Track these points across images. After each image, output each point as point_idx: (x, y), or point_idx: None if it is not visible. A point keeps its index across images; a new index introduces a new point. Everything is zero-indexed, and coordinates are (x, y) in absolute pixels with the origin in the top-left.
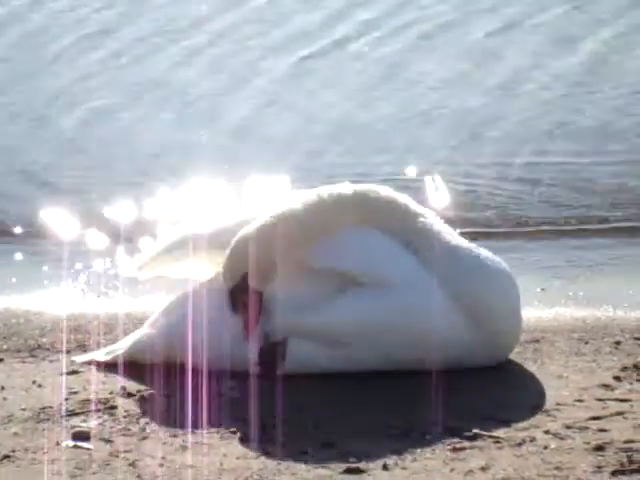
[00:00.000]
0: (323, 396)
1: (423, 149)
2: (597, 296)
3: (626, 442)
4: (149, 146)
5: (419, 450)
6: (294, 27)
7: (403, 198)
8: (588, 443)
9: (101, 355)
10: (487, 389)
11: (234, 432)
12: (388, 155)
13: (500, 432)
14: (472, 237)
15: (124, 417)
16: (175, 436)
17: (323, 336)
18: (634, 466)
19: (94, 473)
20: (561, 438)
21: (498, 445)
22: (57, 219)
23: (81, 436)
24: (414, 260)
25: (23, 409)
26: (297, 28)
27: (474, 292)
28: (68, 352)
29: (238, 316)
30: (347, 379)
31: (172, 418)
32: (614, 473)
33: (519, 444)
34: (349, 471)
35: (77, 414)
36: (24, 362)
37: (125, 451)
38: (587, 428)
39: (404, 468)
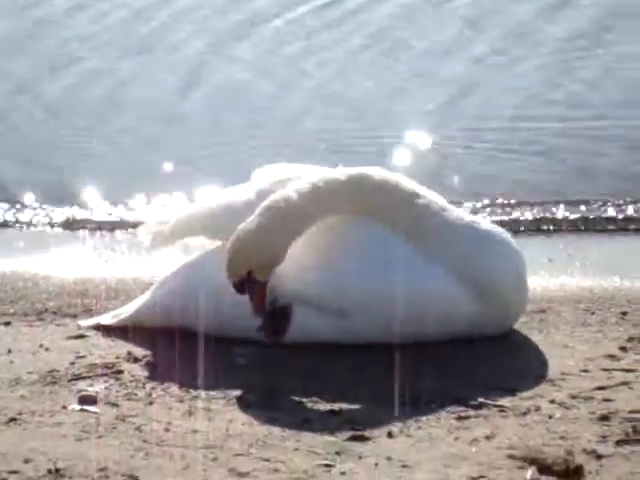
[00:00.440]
0: (328, 363)
1: (399, 116)
2: (604, 266)
3: (631, 412)
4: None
5: (424, 418)
6: None
7: (397, 178)
8: (593, 413)
9: (107, 319)
10: (492, 358)
11: (240, 398)
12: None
13: (505, 401)
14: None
15: (130, 382)
16: (181, 401)
17: (326, 305)
18: (639, 436)
19: (100, 437)
20: (566, 408)
21: (503, 414)
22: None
23: (87, 400)
24: (404, 243)
25: (30, 372)
26: None
27: (477, 265)
28: (75, 316)
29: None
30: (352, 347)
31: (178, 383)
32: (619, 443)
33: (524, 413)
34: (354, 438)
35: (83, 378)
36: (31, 326)
37: (131, 415)
38: (592, 398)
39: (409, 436)
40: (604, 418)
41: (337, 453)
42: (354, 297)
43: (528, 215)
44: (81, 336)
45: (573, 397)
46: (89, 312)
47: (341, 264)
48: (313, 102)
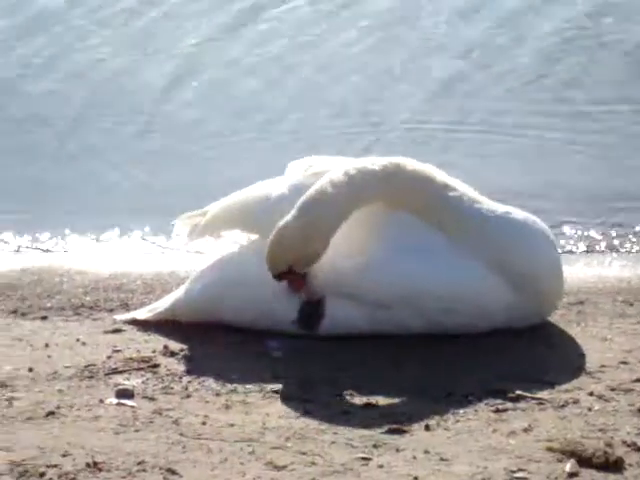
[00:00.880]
0: (364, 356)
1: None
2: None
3: None
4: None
5: (461, 411)
6: None
7: (430, 169)
8: (632, 405)
9: (143, 313)
10: (530, 351)
11: (276, 391)
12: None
13: (543, 394)
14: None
15: (167, 375)
16: (218, 395)
17: (364, 297)
18: None
19: (137, 430)
20: (605, 400)
21: (541, 407)
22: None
23: (124, 394)
24: (441, 235)
25: (67, 366)
26: None
27: (513, 255)
28: (111, 310)
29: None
30: (388, 339)
31: (214, 377)
32: None
33: (562, 406)
34: (391, 431)
35: (120, 372)
36: (68, 320)
37: (168, 409)
38: (631, 390)
39: (446, 429)
40: None
41: (374, 446)
42: (392, 289)
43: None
44: (117, 330)
45: (612, 389)
46: (125, 306)
47: (378, 256)
48: (298, 98)
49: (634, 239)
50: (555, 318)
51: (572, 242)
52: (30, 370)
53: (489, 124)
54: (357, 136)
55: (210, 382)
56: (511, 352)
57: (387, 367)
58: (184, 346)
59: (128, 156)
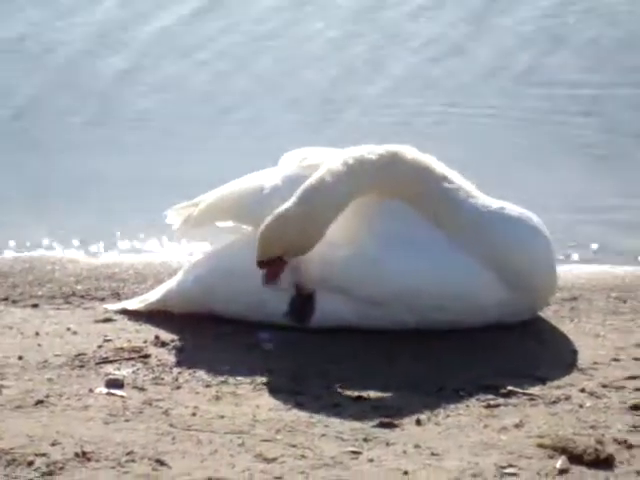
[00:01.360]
0: (356, 349)
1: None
2: (636, 254)
3: None
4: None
5: (453, 406)
6: None
7: (429, 160)
8: (624, 402)
9: (134, 304)
10: (523, 347)
11: (267, 383)
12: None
13: (535, 390)
14: None
15: (157, 366)
16: (208, 386)
17: (356, 293)
18: None
19: (127, 420)
20: (597, 397)
21: (533, 403)
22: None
23: (114, 384)
24: (434, 229)
25: (57, 355)
26: None
27: (507, 251)
28: (102, 300)
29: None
30: (381, 333)
31: (205, 368)
32: None
33: (554, 402)
34: (382, 425)
35: (111, 362)
36: (59, 309)
37: (158, 400)
38: (623, 387)
39: (437, 424)
40: (635, 408)
41: (365, 440)
42: (383, 286)
43: None
44: (108, 320)
45: (604, 386)
46: (117, 296)
47: (372, 252)
48: (253, 90)
49: (627, 236)
50: (548, 314)
51: (565, 237)
52: (20, 358)
53: (448, 114)
54: (312, 128)
55: (201, 373)
56: (503, 348)
57: (379, 361)
58: (175, 337)
59: (74, 145)
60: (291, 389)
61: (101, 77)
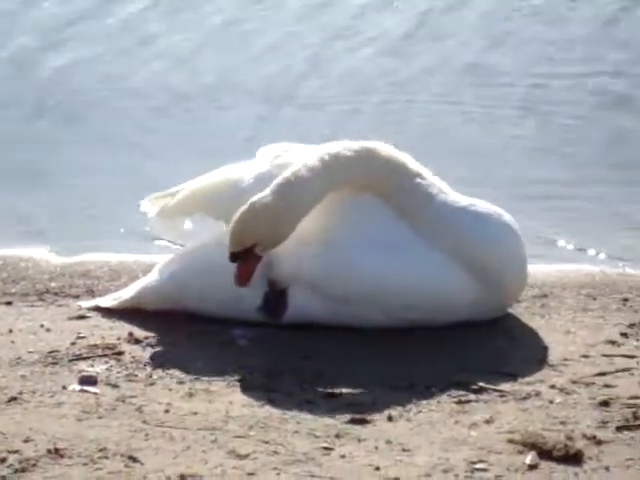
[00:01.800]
0: (329, 346)
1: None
2: (606, 252)
3: (631, 398)
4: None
5: (424, 402)
6: None
7: (402, 157)
8: (594, 398)
9: (107, 301)
10: (493, 343)
11: (240, 380)
12: None
13: (506, 386)
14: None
15: (131, 363)
16: (181, 383)
17: (328, 291)
18: (639, 422)
19: (100, 417)
20: (567, 393)
21: (503, 399)
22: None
23: (88, 380)
24: (407, 227)
25: (31, 352)
26: None
27: (477, 248)
28: (77, 297)
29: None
30: (353, 330)
31: (179, 365)
32: (619, 429)
33: (524, 398)
34: (354, 421)
35: (84, 359)
36: (32, 306)
37: (131, 396)
38: (593, 384)
39: (409, 420)
40: (604, 404)
41: (337, 436)
42: (356, 284)
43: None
44: (82, 317)
45: (574, 382)
46: (91, 293)
47: (344, 250)
48: (190, 90)
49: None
50: (519, 311)
51: (537, 236)
52: None
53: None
54: (252, 125)
55: (174, 370)
56: (474, 344)
57: (351, 357)
58: (149, 334)
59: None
60: (264, 386)
61: (40, 73)
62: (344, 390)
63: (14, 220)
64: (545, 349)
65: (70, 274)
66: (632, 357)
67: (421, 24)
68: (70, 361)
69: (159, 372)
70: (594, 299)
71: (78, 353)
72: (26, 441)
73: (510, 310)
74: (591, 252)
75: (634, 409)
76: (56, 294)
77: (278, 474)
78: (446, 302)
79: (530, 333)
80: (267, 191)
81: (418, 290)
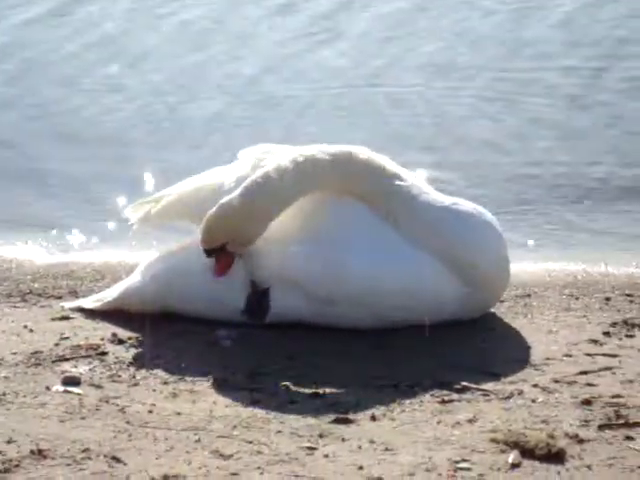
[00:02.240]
0: (313, 346)
1: None
2: (589, 252)
3: (614, 397)
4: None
5: (407, 402)
6: None
7: (381, 159)
8: (576, 397)
9: (89, 302)
10: (476, 343)
11: (224, 380)
12: None
13: (488, 385)
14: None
15: (114, 363)
16: (165, 383)
17: (312, 293)
18: (621, 420)
19: (83, 418)
20: (549, 392)
21: (486, 398)
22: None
23: (71, 381)
24: (391, 228)
25: (14, 353)
26: None
27: (459, 248)
28: (60, 298)
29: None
30: (337, 330)
31: (162, 366)
32: (601, 427)
33: (507, 397)
34: (337, 421)
35: (67, 359)
36: (15, 307)
37: (115, 397)
38: (575, 382)
39: (392, 419)
40: (587, 402)
41: (320, 436)
42: (338, 286)
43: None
44: (65, 318)
45: (556, 382)
46: (74, 294)
47: (329, 251)
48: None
49: (581, 233)
50: (502, 310)
51: (520, 235)
52: None
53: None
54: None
55: (158, 371)
56: (457, 344)
57: (335, 357)
58: (133, 334)
59: None
60: (248, 386)
61: None
62: (327, 390)
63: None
64: (528, 348)
65: (53, 275)
66: (614, 356)
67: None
68: (53, 362)
69: (143, 372)
70: (577, 299)
71: (61, 354)
72: (9, 442)
73: (493, 310)
74: (573, 252)
75: (616, 408)
76: (39, 295)
77: (262, 474)
78: (432, 300)
79: (513, 332)
80: (236, 192)
81: (404, 290)
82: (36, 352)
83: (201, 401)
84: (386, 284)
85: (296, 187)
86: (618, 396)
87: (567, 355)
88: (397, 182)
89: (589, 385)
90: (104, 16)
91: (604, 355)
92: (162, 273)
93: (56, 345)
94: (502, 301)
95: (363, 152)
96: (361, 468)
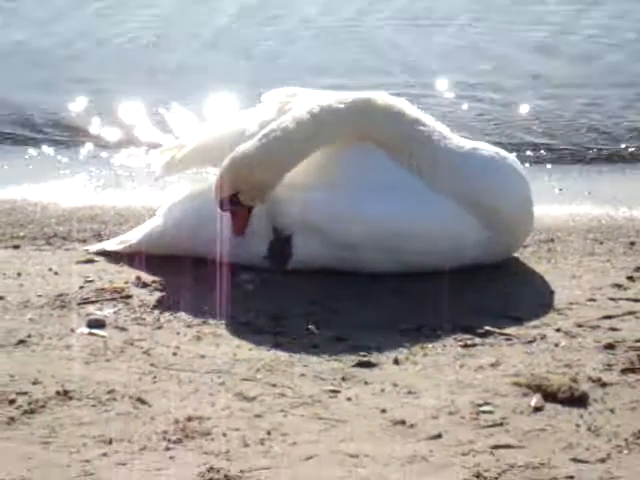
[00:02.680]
0: (336, 290)
1: None
2: (613, 197)
3: (637, 341)
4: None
5: (430, 346)
6: None
7: (401, 104)
8: (599, 341)
9: (113, 245)
10: (500, 287)
11: (247, 324)
12: None
13: (511, 329)
14: None
15: (139, 306)
16: (189, 326)
17: (333, 238)
18: None
19: (108, 360)
20: (572, 336)
21: (509, 342)
22: (76, 112)
23: (96, 324)
24: (412, 173)
25: (39, 295)
26: None
27: (481, 191)
28: (84, 241)
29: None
30: (358, 276)
31: (186, 309)
32: (624, 371)
33: (530, 341)
34: (360, 364)
35: (92, 302)
36: (40, 250)
37: (139, 340)
38: (598, 327)
39: (415, 363)
40: (610, 347)
41: (343, 379)
42: (361, 230)
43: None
44: (90, 261)
45: (579, 326)
46: (98, 237)
47: (347, 196)
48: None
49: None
50: (525, 255)
51: (545, 180)
52: (1, 298)
53: None
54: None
55: (182, 314)
56: (480, 288)
57: (358, 301)
58: (157, 278)
59: None
60: (271, 329)
61: None
62: (351, 333)
63: None
64: (551, 293)
65: (78, 218)
66: (638, 301)
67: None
68: (78, 304)
69: (167, 315)
70: (601, 243)
71: (86, 297)
72: (35, 383)
73: (517, 254)
74: (598, 196)
75: (639, 352)
76: (64, 238)
77: (285, 416)
78: (454, 244)
79: (536, 277)
80: (253, 140)
81: (425, 234)
82: (61, 295)
83: (224, 344)
84: (407, 228)
85: (314, 139)
86: None
87: (590, 299)
88: (418, 127)
89: (612, 329)
90: None
91: (628, 299)
92: (185, 217)
93: (81, 288)
94: (525, 246)
95: (382, 98)
96: (384, 411)
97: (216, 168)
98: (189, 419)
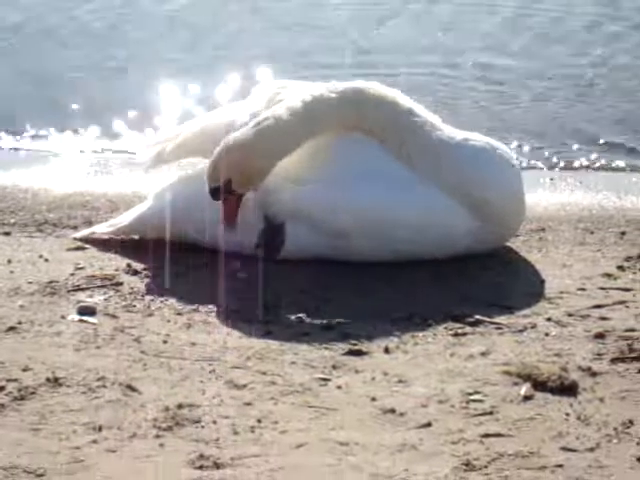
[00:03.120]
0: (327, 279)
1: None
2: (604, 187)
3: (627, 330)
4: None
5: (421, 334)
6: None
7: (394, 94)
8: (589, 331)
9: (103, 228)
10: (490, 276)
11: (238, 312)
12: None
13: (502, 318)
14: None
15: (129, 293)
16: (179, 314)
17: (324, 226)
18: (634, 354)
19: (99, 347)
20: (562, 325)
21: (499, 331)
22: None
23: (86, 311)
24: (403, 163)
25: (30, 282)
26: None
27: (472, 181)
28: (75, 228)
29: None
30: (350, 265)
31: (177, 296)
32: (613, 360)
33: (520, 330)
34: (351, 353)
35: (83, 289)
36: (31, 236)
37: (130, 327)
38: (589, 316)
39: (405, 352)
40: (600, 336)
41: (333, 367)
42: (352, 219)
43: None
44: (81, 248)
45: (570, 315)
46: (89, 224)
47: (339, 185)
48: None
49: (597, 168)
50: (516, 244)
51: (536, 170)
52: None
53: None
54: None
55: (172, 301)
56: (471, 277)
57: (349, 290)
58: (147, 265)
59: None
60: (262, 317)
61: None
62: (341, 322)
63: None
64: (542, 282)
65: (69, 205)
66: (628, 290)
67: None
68: (69, 291)
69: (157, 303)
70: (591, 233)
71: (77, 284)
72: (25, 370)
73: (508, 244)
74: (589, 185)
75: (629, 341)
76: (55, 225)
77: (275, 404)
78: (445, 233)
79: (527, 266)
80: (245, 129)
81: (415, 223)
82: (52, 282)
83: (215, 332)
84: (397, 216)
85: (305, 128)
86: (631, 330)
87: (581, 289)
88: (409, 117)
89: (602, 319)
90: None
91: (618, 289)
92: (176, 200)
93: (71, 275)
94: (517, 235)
95: (374, 88)
96: (374, 399)
97: (206, 159)
98: (179, 406)
